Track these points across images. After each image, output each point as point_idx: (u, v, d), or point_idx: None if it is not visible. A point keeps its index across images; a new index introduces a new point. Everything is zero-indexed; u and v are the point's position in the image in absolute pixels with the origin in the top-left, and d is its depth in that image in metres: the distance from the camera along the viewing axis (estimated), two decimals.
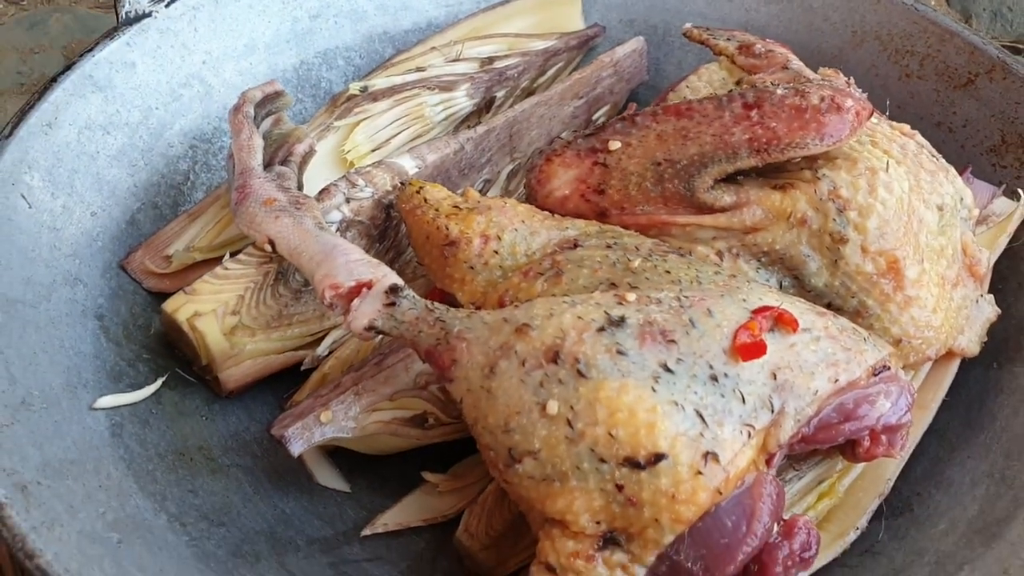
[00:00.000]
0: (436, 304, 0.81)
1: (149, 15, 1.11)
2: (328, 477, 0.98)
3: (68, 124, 1.01)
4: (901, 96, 1.19)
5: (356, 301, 0.81)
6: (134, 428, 0.89)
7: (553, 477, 0.70)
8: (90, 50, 1.06)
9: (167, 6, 1.12)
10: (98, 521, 0.77)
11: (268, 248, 0.90)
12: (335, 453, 0.98)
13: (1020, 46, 1.82)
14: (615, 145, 0.91)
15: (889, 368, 0.77)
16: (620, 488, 0.69)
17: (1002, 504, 0.87)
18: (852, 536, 0.86)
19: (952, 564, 0.83)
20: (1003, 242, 1.04)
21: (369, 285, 0.82)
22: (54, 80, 1.02)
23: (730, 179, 0.88)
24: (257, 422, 0.99)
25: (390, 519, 0.94)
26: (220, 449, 0.95)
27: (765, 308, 0.74)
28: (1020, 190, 1.07)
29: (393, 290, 0.82)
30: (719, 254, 0.86)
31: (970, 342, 0.94)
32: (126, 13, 1.09)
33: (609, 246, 0.83)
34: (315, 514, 0.94)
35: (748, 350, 0.72)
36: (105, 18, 1.70)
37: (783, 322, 0.74)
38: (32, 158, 0.97)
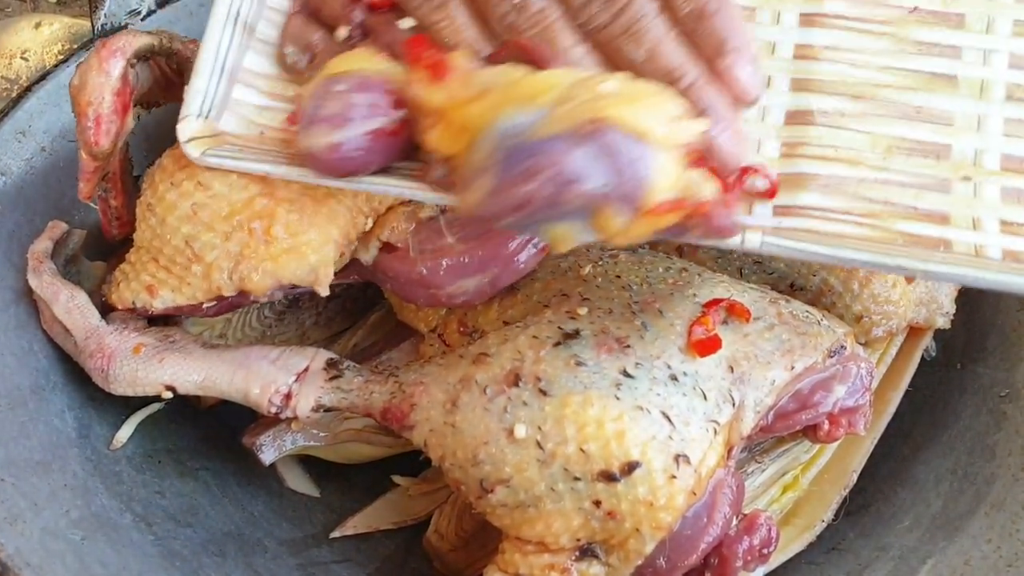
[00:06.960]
0: (383, 365, 0.81)
1: (125, 27, 1.11)
2: (298, 482, 0.98)
3: (42, 132, 1.02)
4: None
5: (295, 386, 0.79)
6: (102, 430, 0.89)
7: (527, 503, 0.70)
8: (65, 60, 1.06)
9: (143, 19, 1.13)
10: (62, 519, 0.77)
11: (168, 395, 0.81)
12: (305, 459, 0.98)
13: None
14: None
15: (846, 348, 0.77)
16: (598, 504, 0.69)
17: (964, 499, 0.88)
18: (819, 527, 0.86)
19: (915, 558, 0.84)
20: None
21: (306, 370, 0.80)
22: (28, 89, 1.03)
23: None
24: (227, 427, 0.99)
25: (360, 522, 0.94)
26: (189, 453, 0.95)
27: (716, 301, 0.75)
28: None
29: (332, 363, 0.80)
30: (679, 250, 0.86)
31: (932, 314, 0.94)
32: (102, 25, 1.10)
33: None
34: (284, 517, 0.94)
35: (704, 345, 0.73)
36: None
37: (735, 313, 0.75)
38: (4, 164, 0.97)
